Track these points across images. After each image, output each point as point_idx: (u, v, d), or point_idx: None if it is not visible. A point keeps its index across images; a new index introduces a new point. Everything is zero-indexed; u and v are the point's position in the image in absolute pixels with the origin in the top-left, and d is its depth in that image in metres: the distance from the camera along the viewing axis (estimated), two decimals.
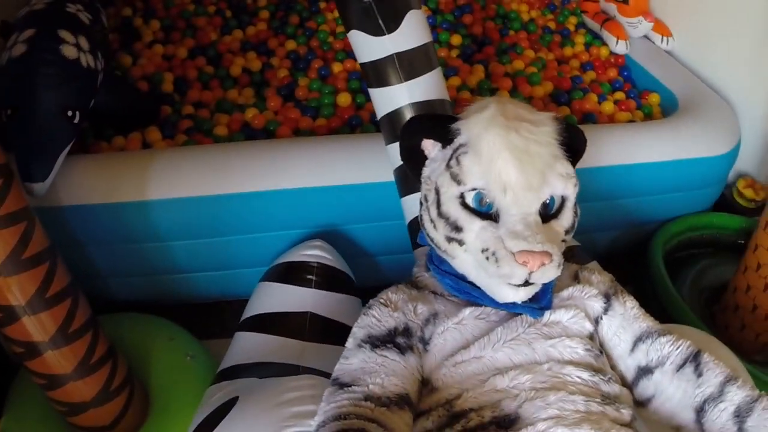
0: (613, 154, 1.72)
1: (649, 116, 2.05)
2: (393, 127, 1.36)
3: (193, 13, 2.27)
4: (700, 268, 1.81)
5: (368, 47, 1.33)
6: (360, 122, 1.88)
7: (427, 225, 1.02)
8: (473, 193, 0.94)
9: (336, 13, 2.39)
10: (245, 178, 1.46)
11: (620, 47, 2.37)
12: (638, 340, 1.03)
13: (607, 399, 0.91)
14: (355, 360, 0.95)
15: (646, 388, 1.02)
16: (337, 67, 2.11)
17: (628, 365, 1.04)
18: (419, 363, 0.97)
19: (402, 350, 0.96)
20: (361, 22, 1.31)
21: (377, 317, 0.99)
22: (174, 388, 1.40)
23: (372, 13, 1.28)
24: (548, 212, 0.96)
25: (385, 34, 1.30)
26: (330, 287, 1.42)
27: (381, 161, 1.46)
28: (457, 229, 0.96)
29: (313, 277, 1.41)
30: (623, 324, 1.04)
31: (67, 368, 1.16)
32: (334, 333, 1.35)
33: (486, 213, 0.94)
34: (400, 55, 1.32)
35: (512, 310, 0.98)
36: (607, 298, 1.05)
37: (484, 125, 0.94)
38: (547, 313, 0.99)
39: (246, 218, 1.49)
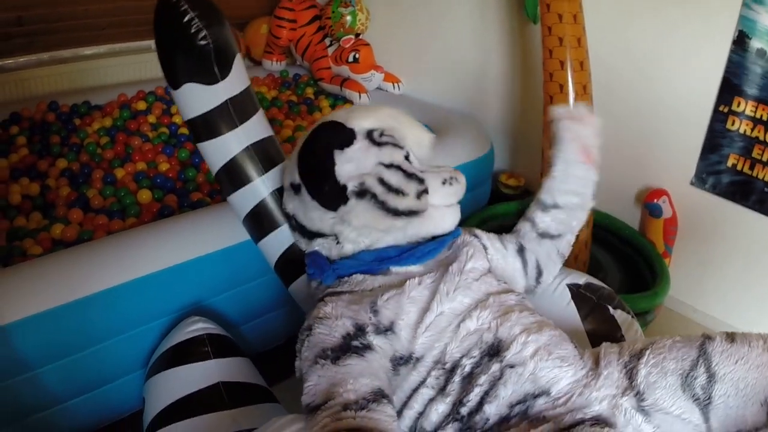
0: None
1: None
2: (231, 178, 1.32)
3: None
4: None
5: (201, 99, 1.28)
6: (171, 211, 1.84)
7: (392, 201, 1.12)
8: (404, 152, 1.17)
9: (96, 126, 2.32)
10: (108, 273, 1.34)
11: (363, 100, 2.69)
12: (503, 240, 1.29)
13: (534, 311, 1.10)
14: (318, 378, 0.94)
15: (529, 259, 1.28)
16: (120, 173, 2.06)
17: (512, 255, 1.27)
18: (383, 356, 1.00)
19: (361, 353, 0.97)
20: (194, 73, 1.25)
21: (325, 332, 1.00)
22: None
23: (209, 59, 1.23)
24: None
25: (219, 81, 1.26)
26: (226, 354, 1.36)
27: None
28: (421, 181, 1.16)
29: (208, 348, 1.34)
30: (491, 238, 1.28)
31: None
32: (252, 393, 1.30)
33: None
34: (233, 100, 1.29)
35: (438, 249, 1.15)
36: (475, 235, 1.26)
37: (399, 119, 1.20)
38: (463, 262, 1.13)
39: (116, 315, 1.35)
